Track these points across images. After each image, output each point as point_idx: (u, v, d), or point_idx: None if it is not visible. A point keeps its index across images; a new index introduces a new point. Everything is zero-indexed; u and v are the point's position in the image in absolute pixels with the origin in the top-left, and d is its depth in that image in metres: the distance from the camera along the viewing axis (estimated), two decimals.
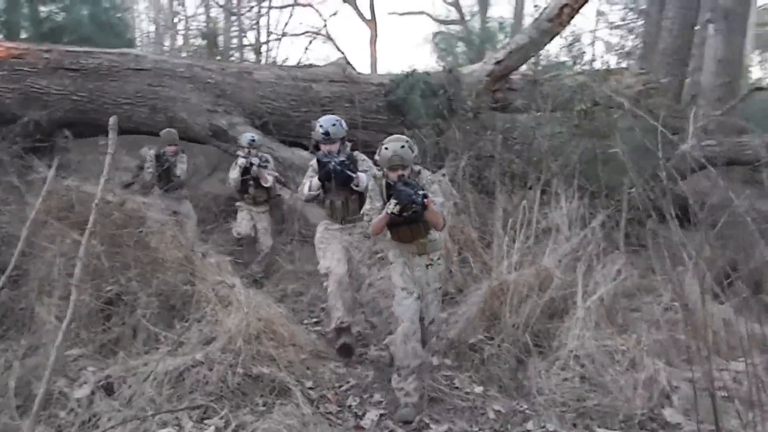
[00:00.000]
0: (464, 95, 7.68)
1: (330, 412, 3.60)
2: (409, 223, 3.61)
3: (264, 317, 4.01)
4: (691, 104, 8.40)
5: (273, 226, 6.75)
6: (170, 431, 3.12)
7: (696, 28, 9.15)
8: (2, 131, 7.02)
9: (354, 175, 4.21)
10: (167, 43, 21.81)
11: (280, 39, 20.09)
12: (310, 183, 4.36)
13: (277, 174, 6.57)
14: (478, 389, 4.08)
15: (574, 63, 8.28)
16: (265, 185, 6.36)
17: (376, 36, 21.65)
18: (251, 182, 6.38)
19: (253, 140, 6.43)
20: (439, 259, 3.86)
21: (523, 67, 8.97)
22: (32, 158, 5.11)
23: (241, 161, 6.31)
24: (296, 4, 19.98)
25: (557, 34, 8.36)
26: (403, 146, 3.54)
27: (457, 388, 4.10)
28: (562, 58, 9.05)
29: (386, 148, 3.55)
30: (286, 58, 19.92)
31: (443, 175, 6.40)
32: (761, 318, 2.11)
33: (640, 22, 15.15)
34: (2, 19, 10.16)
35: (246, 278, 5.40)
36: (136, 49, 11.68)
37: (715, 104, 7.06)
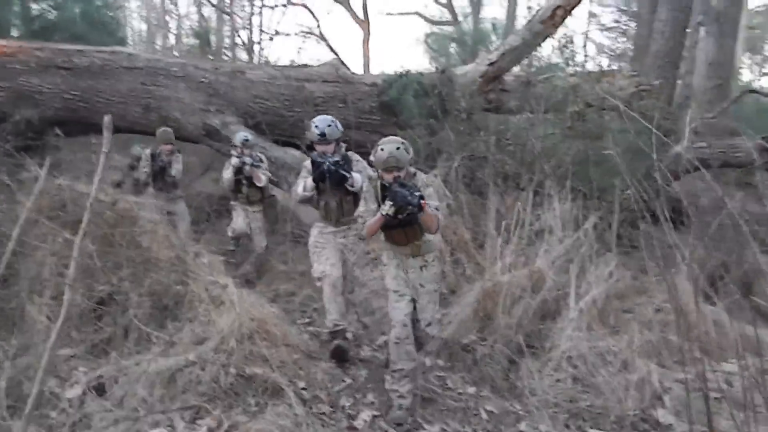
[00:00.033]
0: (457, 96, 7.67)
1: (323, 413, 3.59)
2: (404, 226, 3.57)
3: (256, 317, 3.98)
4: (682, 106, 8.46)
5: (266, 226, 6.73)
6: (162, 431, 3.11)
7: (688, 30, 9.19)
8: None
9: (348, 176, 4.15)
10: (159, 41, 21.76)
11: (272, 38, 20.06)
12: (304, 183, 4.30)
13: (269, 174, 6.55)
14: (471, 390, 4.10)
15: (568, 65, 8.29)
16: (258, 185, 6.34)
17: (368, 36, 21.64)
18: (244, 182, 6.36)
19: (247, 140, 6.41)
20: (434, 260, 3.81)
21: (516, 69, 8.99)
22: (23, 157, 5.06)
23: (234, 161, 6.29)
24: (289, 3, 19.93)
25: (550, 35, 8.37)
26: (398, 148, 3.48)
27: (449, 388, 4.11)
28: (555, 60, 9.07)
29: (382, 150, 3.49)
30: (279, 58, 19.89)
31: (435, 175, 6.40)
32: (754, 320, 2.12)
33: (633, 25, 15.22)
34: None
35: (238, 278, 5.39)
36: (128, 47, 11.62)
37: (706, 106, 7.10)
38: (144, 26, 23.21)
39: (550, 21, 8.04)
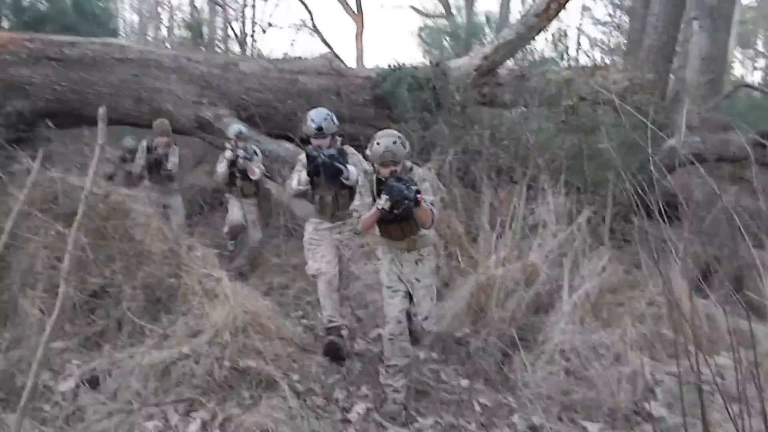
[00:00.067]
0: (451, 89, 7.66)
1: (317, 406, 3.59)
2: (400, 221, 3.54)
3: (250, 310, 3.98)
4: (675, 101, 8.47)
5: (261, 219, 6.71)
6: (156, 424, 3.10)
7: (681, 25, 9.20)
8: None
9: (343, 168, 4.11)
10: (151, 33, 21.62)
11: (265, 31, 19.98)
12: (298, 177, 4.25)
13: (263, 167, 6.51)
14: (465, 383, 4.12)
15: (562, 58, 8.29)
16: (252, 178, 6.30)
17: (362, 29, 21.57)
18: (238, 175, 6.32)
19: (240, 132, 6.37)
20: (429, 254, 3.80)
21: (510, 63, 8.99)
22: (15, 149, 5.03)
23: (228, 154, 6.25)
24: None
25: (544, 29, 8.37)
26: (395, 142, 3.45)
27: (443, 381, 4.13)
28: (548, 54, 9.08)
29: (378, 144, 3.46)
30: (271, 51, 19.81)
31: (429, 169, 6.40)
32: (748, 314, 2.14)
33: (626, 19, 15.24)
34: None
35: (232, 271, 5.38)
36: (120, 39, 11.54)
37: (699, 101, 7.11)
38: (136, 17, 23.07)
39: (545, 14, 8.04)
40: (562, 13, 8.32)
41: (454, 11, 20.05)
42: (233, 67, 8.23)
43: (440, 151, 6.91)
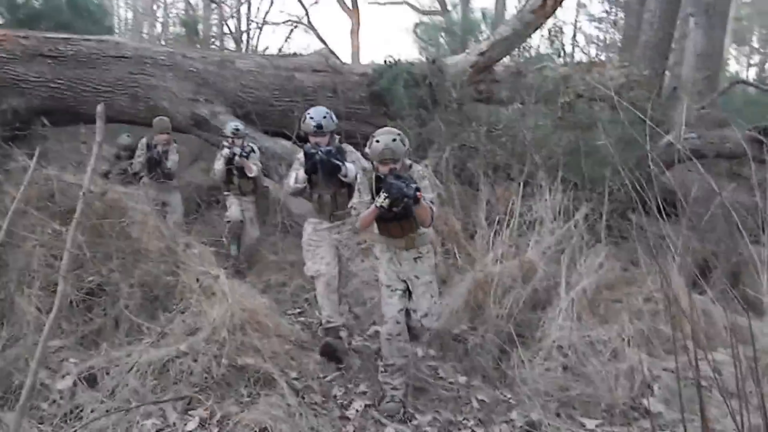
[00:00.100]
0: (448, 86, 7.66)
1: (315, 403, 3.59)
2: (399, 219, 3.50)
3: (248, 308, 3.97)
4: (671, 97, 8.49)
5: (258, 217, 6.70)
6: (154, 422, 3.09)
7: (677, 21, 9.21)
8: None
9: (341, 165, 4.06)
10: (146, 30, 21.56)
11: (260, 28, 19.93)
12: (296, 175, 4.20)
13: (260, 164, 6.49)
14: (462, 379, 4.12)
15: (559, 55, 8.30)
16: (249, 175, 6.29)
17: (358, 26, 21.55)
18: (235, 172, 6.31)
19: (237, 129, 6.35)
20: (428, 252, 3.75)
21: (506, 59, 8.99)
22: (11, 147, 5.00)
23: (225, 151, 6.24)
24: None
25: (541, 25, 8.38)
26: (395, 139, 3.42)
27: (441, 378, 4.13)
28: (544, 50, 9.08)
29: (377, 141, 3.42)
30: (267, 47, 19.74)
31: (426, 165, 6.40)
32: (747, 310, 2.15)
33: (622, 15, 15.25)
34: None
35: (228, 269, 5.38)
36: (115, 36, 11.49)
37: (695, 97, 7.13)
38: (130, 14, 23.01)
39: (541, 11, 8.05)
40: (558, 10, 8.34)
41: (449, 8, 20.05)
42: (229, 64, 8.21)
43: (437, 148, 6.91)
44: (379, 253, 3.84)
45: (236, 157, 6.17)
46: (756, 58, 27.29)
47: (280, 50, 17.05)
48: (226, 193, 6.57)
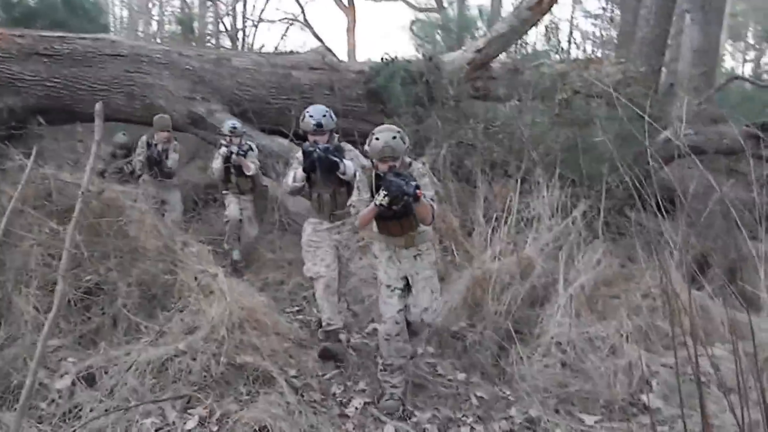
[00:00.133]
0: (445, 83, 7.66)
1: (314, 401, 3.59)
2: (399, 217, 3.47)
3: (246, 306, 3.98)
4: (667, 94, 8.50)
5: (256, 215, 6.70)
6: (154, 421, 3.09)
7: (673, 18, 9.22)
8: None
9: (339, 161, 4.02)
10: (141, 28, 21.50)
11: (256, 25, 19.90)
12: (294, 174, 4.14)
13: (258, 162, 6.47)
14: (461, 376, 4.12)
15: (557, 52, 8.31)
16: (247, 173, 6.27)
17: (354, 23, 21.51)
18: (233, 171, 6.30)
19: (235, 128, 6.33)
20: (428, 249, 3.71)
21: (502, 56, 8.99)
22: (7, 146, 4.99)
23: (222, 150, 6.23)
24: None
25: (537, 22, 8.38)
26: (394, 137, 3.38)
27: (440, 375, 4.13)
28: (541, 47, 9.08)
29: (377, 139, 3.38)
30: (263, 45, 19.72)
31: (423, 163, 6.39)
32: (746, 306, 2.15)
33: (618, 12, 15.26)
34: None
35: (226, 267, 5.38)
36: (111, 34, 11.45)
37: (692, 93, 7.13)
38: (126, 12, 22.94)
39: (538, 7, 8.06)
40: (554, 6, 8.34)
41: (445, 4, 20.02)
42: (225, 62, 8.19)
43: (434, 145, 6.91)
44: (378, 252, 3.80)
45: (233, 156, 6.16)
46: (751, 54, 27.34)
47: (276, 48, 17.05)
48: (224, 192, 6.54)
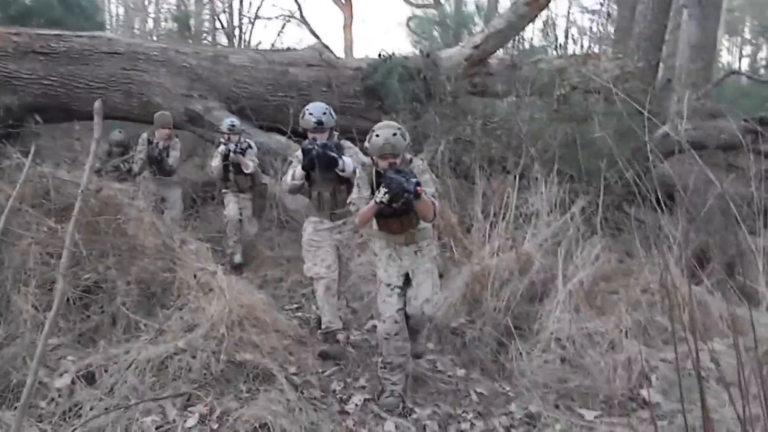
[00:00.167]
0: (442, 80, 7.66)
1: (314, 398, 3.59)
2: (399, 215, 3.44)
3: (246, 304, 3.97)
4: (665, 89, 8.50)
5: (256, 213, 6.69)
6: (154, 419, 3.08)
7: (670, 13, 9.22)
8: None
9: (337, 157, 3.98)
10: (137, 25, 21.44)
11: (253, 22, 19.85)
12: (293, 172, 4.12)
13: (257, 160, 6.45)
14: (461, 372, 4.12)
15: (556, 48, 8.31)
16: (246, 171, 6.25)
17: (351, 20, 21.48)
18: (231, 169, 6.28)
19: (233, 126, 6.31)
20: (428, 245, 3.69)
21: (500, 52, 8.99)
22: (4, 144, 4.97)
23: (221, 148, 6.22)
24: None
25: (535, 17, 8.38)
26: (395, 134, 3.35)
27: (440, 371, 4.13)
28: (538, 43, 9.09)
29: (377, 136, 3.35)
30: (259, 42, 19.68)
31: (422, 159, 6.38)
32: (747, 301, 2.16)
33: (615, 7, 15.24)
34: None
35: (225, 265, 5.37)
36: (107, 32, 11.42)
37: (690, 89, 7.13)
38: (122, 10, 22.87)
39: (536, 3, 8.05)
40: (551, 2, 8.34)
41: (442, 1, 19.99)
42: (223, 60, 8.18)
43: (432, 141, 6.91)
44: (378, 250, 3.78)
45: (231, 154, 6.14)
46: (748, 49, 27.38)
47: (272, 45, 17.00)
48: (224, 190, 6.52)
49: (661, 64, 9.64)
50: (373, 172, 3.46)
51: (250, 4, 27.47)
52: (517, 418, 3.60)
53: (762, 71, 20.42)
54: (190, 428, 3.08)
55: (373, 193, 3.40)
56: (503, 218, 5.20)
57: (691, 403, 2.89)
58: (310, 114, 4.10)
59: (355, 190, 3.64)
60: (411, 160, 3.57)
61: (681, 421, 2.32)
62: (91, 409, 3.08)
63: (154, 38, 16.05)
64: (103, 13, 16.77)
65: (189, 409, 3.22)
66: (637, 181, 2.85)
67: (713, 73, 8.84)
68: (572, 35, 18.40)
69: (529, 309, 4.59)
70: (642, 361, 3.85)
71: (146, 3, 22.00)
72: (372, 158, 3.49)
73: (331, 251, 4.27)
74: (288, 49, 10.21)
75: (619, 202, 5.67)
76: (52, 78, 7.46)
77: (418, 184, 3.23)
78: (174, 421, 3.11)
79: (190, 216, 7.36)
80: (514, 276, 4.67)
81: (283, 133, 7.61)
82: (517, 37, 8.93)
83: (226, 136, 6.26)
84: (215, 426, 3.10)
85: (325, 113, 4.11)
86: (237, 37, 18.38)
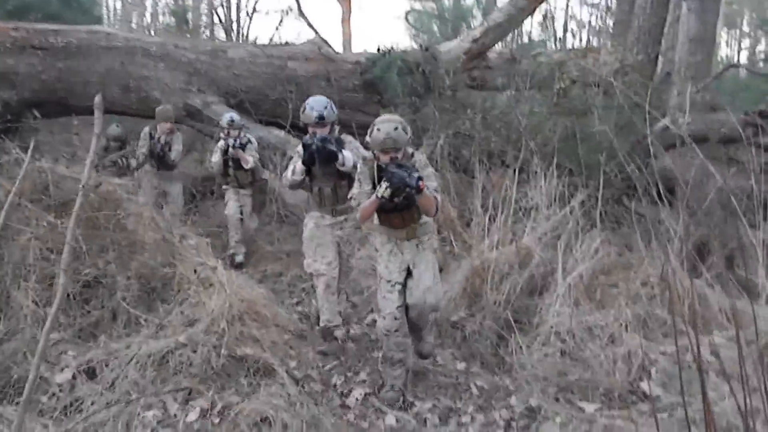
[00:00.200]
0: (441, 73, 7.65)
1: (315, 392, 3.60)
2: (401, 210, 3.41)
3: (246, 298, 3.98)
4: (664, 82, 8.48)
5: (256, 208, 6.68)
6: (155, 414, 3.10)
7: (670, 6, 9.19)
8: None
9: (337, 151, 3.95)
10: (135, 20, 21.38)
11: (251, 16, 19.77)
12: (294, 167, 4.09)
13: (257, 155, 6.42)
14: (461, 366, 4.13)
15: (555, 42, 8.30)
16: (245, 167, 6.23)
17: (349, 13, 21.39)
18: (231, 164, 6.26)
19: (233, 121, 6.28)
20: (429, 239, 3.68)
21: (498, 46, 8.98)
22: (2, 140, 4.97)
23: (220, 143, 6.20)
24: None
25: (534, 11, 8.36)
26: (396, 128, 3.31)
27: (440, 365, 4.14)
28: (537, 36, 9.08)
29: (378, 130, 3.32)
30: (257, 36, 19.62)
31: (421, 153, 6.39)
32: (748, 295, 2.16)
33: (614, 0, 15.21)
34: None
35: (225, 260, 5.37)
36: (105, 26, 11.38)
37: (689, 82, 7.12)
38: (119, 4, 22.79)
39: None
40: None
41: None
42: (221, 54, 8.16)
43: (431, 135, 6.90)
44: (379, 245, 3.74)
45: (230, 149, 6.12)
46: (746, 42, 27.34)
47: (271, 39, 16.96)
48: (224, 186, 6.50)
49: (660, 58, 9.61)
50: (375, 166, 3.43)
51: None
52: (518, 411, 3.60)
53: (761, 64, 20.38)
54: (191, 422, 3.09)
55: (374, 187, 3.38)
56: (503, 212, 5.20)
57: (692, 395, 2.90)
58: (312, 108, 4.07)
59: (356, 184, 3.61)
60: (413, 155, 3.53)
61: (681, 413, 2.32)
62: (92, 403, 3.09)
63: (152, 33, 15.99)
64: (101, 8, 16.72)
65: (190, 403, 3.23)
66: (637, 174, 2.85)
67: (712, 67, 8.82)
68: (571, 29, 18.35)
69: (529, 302, 4.59)
70: (642, 354, 3.85)
71: None
72: (373, 152, 3.46)
73: (332, 247, 4.25)
74: (287, 43, 10.18)
75: (619, 196, 5.66)
76: (51, 73, 7.45)
77: (420, 178, 3.20)
78: (175, 415, 3.12)
79: (189, 211, 7.35)
80: (514, 270, 4.67)
81: (282, 128, 7.59)
82: (516, 31, 8.92)
83: (225, 131, 6.23)
84: (216, 420, 3.10)
85: (326, 107, 4.09)
86: (235, 32, 18.31)
